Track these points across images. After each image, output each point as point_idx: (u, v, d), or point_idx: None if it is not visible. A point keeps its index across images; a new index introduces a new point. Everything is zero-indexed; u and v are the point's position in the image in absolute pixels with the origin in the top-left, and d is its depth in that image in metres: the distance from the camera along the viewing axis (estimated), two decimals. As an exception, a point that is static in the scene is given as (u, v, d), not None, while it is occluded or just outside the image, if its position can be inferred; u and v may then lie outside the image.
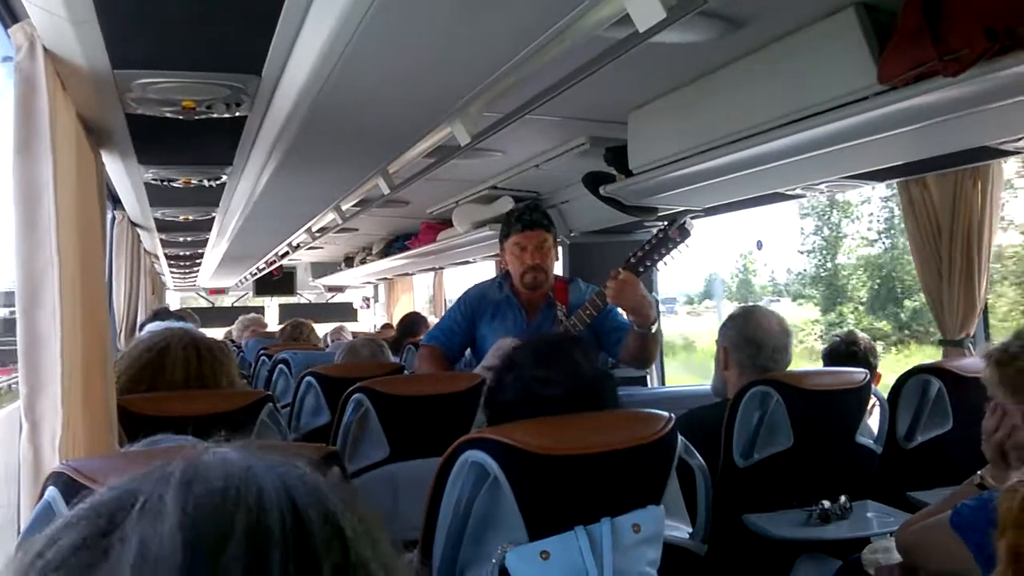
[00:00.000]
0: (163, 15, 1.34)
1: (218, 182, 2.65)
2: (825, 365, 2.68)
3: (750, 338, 2.07)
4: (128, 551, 0.35)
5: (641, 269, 2.45)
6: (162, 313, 4.13)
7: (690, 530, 1.35)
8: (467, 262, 5.63)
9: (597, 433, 1.23)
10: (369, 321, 9.78)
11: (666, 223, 2.50)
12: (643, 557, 1.15)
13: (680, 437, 1.32)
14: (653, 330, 2.51)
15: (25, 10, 1.24)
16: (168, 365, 1.69)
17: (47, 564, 0.37)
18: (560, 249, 3.51)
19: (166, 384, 1.67)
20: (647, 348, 2.55)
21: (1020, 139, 1.88)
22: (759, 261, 20.39)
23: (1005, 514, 0.94)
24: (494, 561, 1.14)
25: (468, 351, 2.82)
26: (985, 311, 2.61)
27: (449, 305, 3.31)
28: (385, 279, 8.26)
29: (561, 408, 1.27)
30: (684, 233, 2.46)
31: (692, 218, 2.58)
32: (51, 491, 0.94)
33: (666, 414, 1.31)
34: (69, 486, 0.93)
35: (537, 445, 1.16)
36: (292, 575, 0.36)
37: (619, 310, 2.59)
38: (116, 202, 3.30)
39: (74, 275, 1.32)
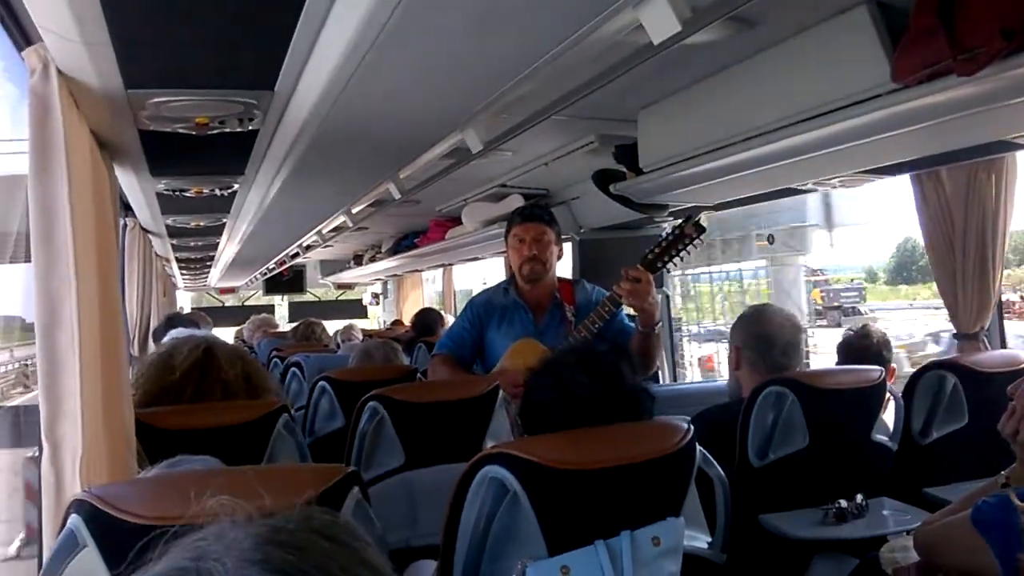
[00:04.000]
0: (176, 35, 1.33)
1: (229, 191, 2.65)
2: (839, 359, 2.66)
3: (760, 336, 2.06)
4: None
5: (659, 265, 2.45)
6: (175, 319, 4.13)
7: (709, 539, 1.35)
8: (476, 259, 5.64)
9: (616, 447, 1.23)
10: (379, 317, 9.80)
11: (682, 220, 2.50)
12: (663, 570, 1.15)
13: (699, 447, 1.32)
14: (657, 330, 2.52)
15: (39, 33, 1.24)
16: (222, 363, 1.68)
17: None
18: (570, 246, 3.52)
19: (218, 383, 1.66)
20: (651, 349, 2.57)
21: (1035, 133, 1.86)
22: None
23: None
24: (514, 576, 1.14)
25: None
26: (1000, 305, 2.59)
27: (459, 300, 3.31)
28: (395, 276, 8.26)
29: (596, 412, 1.28)
30: (700, 229, 2.46)
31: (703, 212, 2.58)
32: (74, 519, 0.94)
33: (685, 424, 1.31)
34: (92, 514, 0.94)
35: (556, 460, 1.16)
36: None
37: (623, 314, 2.60)
38: (128, 210, 3.32)
39: (91, 293, 1.32)
